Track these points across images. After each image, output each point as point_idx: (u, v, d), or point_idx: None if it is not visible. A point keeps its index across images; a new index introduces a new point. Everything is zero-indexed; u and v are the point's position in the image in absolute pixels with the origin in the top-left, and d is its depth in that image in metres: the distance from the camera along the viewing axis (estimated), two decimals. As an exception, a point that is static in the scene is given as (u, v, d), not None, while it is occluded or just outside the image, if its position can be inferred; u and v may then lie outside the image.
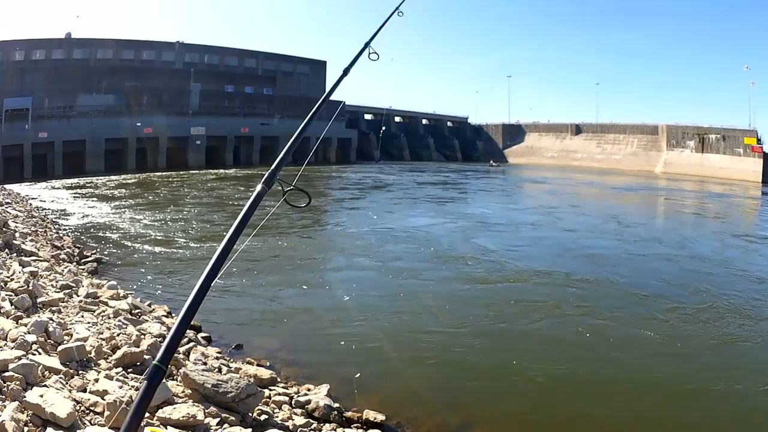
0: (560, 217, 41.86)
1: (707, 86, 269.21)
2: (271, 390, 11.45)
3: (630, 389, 13.51)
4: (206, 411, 8.51)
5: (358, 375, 13.24)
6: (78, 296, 14.34)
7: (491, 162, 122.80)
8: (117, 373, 9.01)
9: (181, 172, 74.48)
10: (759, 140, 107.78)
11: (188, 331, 14.15)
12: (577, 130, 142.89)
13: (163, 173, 74.19)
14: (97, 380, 8.50)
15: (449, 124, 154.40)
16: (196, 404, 8.62)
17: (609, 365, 14.96)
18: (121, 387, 8.25)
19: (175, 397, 8.92)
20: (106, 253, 25.48)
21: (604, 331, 17.08)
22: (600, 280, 23.13)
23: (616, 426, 12.01)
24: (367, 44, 3.29)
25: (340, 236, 33.40)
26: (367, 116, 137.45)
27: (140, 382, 3.65)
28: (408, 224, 35.94)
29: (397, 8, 5.21)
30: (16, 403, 6.51)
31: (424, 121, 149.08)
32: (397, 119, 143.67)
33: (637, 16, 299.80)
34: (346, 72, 3.82)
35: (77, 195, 48.51)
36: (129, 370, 9.45)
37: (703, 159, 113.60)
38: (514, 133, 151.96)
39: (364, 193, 57.29)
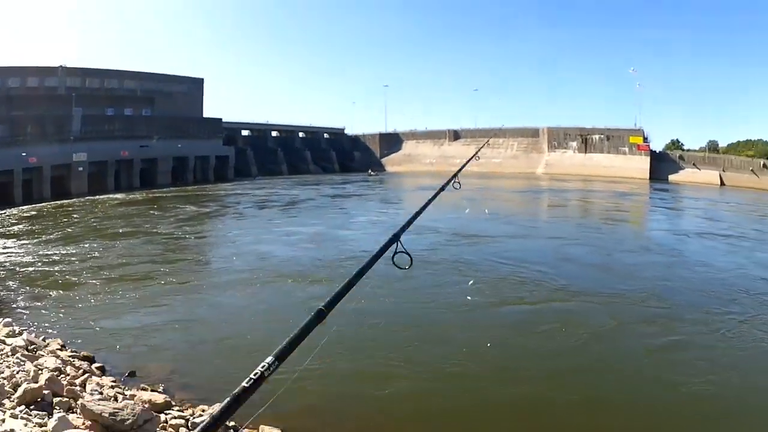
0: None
1: (594, 91, 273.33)
2: (166, 414, 11.85)
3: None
4: (107, 441, 8.80)
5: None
6: (-27, 337, 14.53)
7: (369, 171, 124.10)
8: (21, 412, 9.38)
9: (63, 201, 72.96)
10: (645, 139, 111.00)
11: (82, 362, 14.54)
12: (456, 135, 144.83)
13: (51, 203, 72.70)
14: (3, 420, 8.88)
15: (326, 136, 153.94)
16: (96, 435, 9.03)
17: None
18: (26, 425, 8.67)
19: (76, 430, 9.20)
20: (1, 289, 25.26)
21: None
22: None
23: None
24: None
25: (219, 257, 33.95)
26: (245, 132, 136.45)
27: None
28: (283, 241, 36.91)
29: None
30: None
31: (301, 135, 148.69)
32: (275, 133, 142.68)
33: (513, 26, 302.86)
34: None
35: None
36: (31, 407, 9.81)
37: (586, 159, 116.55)
38: (392, 141, 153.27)
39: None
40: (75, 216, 52.25)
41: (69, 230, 41.96)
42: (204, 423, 1.02)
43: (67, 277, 27.20)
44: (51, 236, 39.41)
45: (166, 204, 62.78)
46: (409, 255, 3.71)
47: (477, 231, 38.54)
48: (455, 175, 8.80)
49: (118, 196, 76.49)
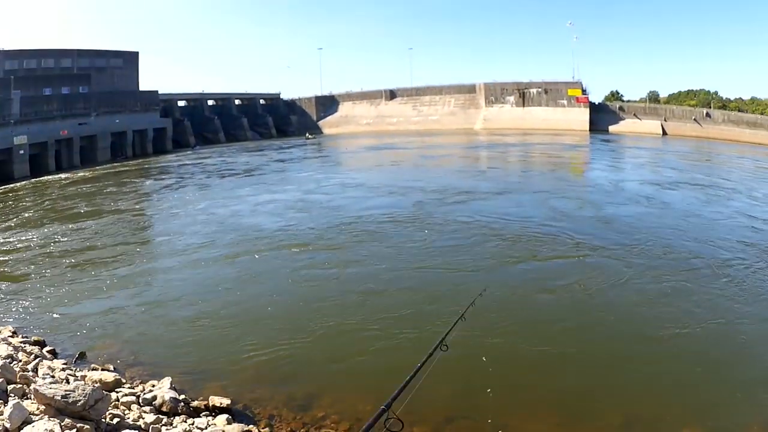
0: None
1: (530, 46, 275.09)
2: (117, 392, 11.98)
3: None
4: (62, 424, 8.89)
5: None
6: None
7: (307, 135, 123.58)
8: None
9: (11, 186, 71.96)
10: (584, 91, 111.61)
11: (33, 347, 14.48)
12: (392, 95, 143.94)
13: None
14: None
15: (262, 102, 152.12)
16: (52, 419, 9.11)
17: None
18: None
19: (32, 416, 9.22)
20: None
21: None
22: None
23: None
24: None
25: (157, 227, 34.44)
26: (181, 103, 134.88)
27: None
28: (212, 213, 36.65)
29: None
30: None
31: (237, 102, 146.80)
32: (210, 102, 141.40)
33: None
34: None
35: None
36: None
37: (525, 113, 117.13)
38: (328, 104, 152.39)
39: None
40: (28, 199, 51.37)
41: (27, 215, 41.11)
42: None
43: (21, 263, 26.91)
44: (8, 222, 38.47)
45: (119, 179, 61.99)
46: (401, 421, 3.75)
47: (456, 187, 39.13)
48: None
49: (63, 176, 75.32)
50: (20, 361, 13.11)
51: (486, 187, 39.10)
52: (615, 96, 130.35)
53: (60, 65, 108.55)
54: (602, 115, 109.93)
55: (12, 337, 15.77)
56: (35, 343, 15.40)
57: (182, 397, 11.85)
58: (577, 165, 54.96)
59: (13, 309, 19.68)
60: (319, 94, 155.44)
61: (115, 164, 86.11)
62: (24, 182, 71.82)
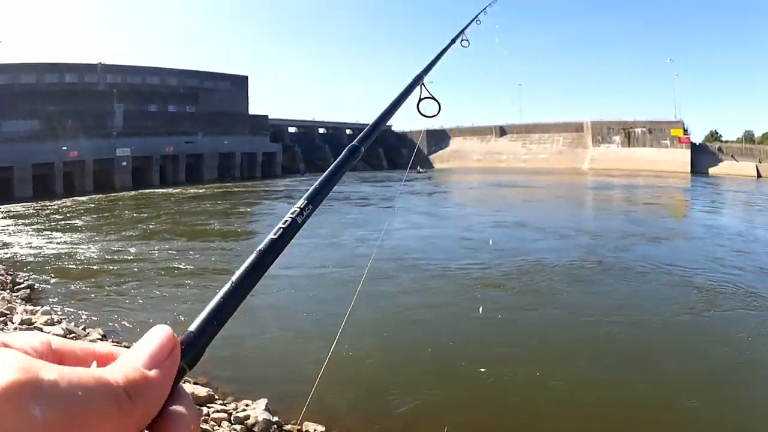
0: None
1: (632, 81, 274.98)
2: (209, 407, 11.62)
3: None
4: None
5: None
6: (12, 323, 14.32)
7: (418, 168, 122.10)
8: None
9: (110, 195, 73.15)
10: (686, 131, 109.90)
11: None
12: (502, 131, 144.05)
13: (93, 196, 72.92)
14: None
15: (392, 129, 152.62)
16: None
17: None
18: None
19: None
20: (40, 278, 25.14)
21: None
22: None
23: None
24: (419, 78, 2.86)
25: (313, 255, 32.98)
26: (292, 129, 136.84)
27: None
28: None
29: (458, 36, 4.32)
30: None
31: (348, 132, 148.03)
32: (321, 131, 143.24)
33: (547, 17, 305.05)
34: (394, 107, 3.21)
35: (5, 222, 47.61)
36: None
37: (630, 153, 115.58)
38: (439, 138, 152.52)
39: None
40: (144, 210, 52.16)
41: (151, 225, 41.83)
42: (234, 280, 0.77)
43: (128, 270, 26.91)
44: (128, 231, 39.28)
45: (237, 198, 62.89)
46: (437, 101, 3.15)
47: (609, 229, 37.89)
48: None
49: (171, 190, 76.88)
50: (107, 365, 12.79)
51: (637, 230, 37.20)
52: (714, 136, 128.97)
53: (165, 83, 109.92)
54: (702, 156, 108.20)
55: (101, 340, 15.40)
56: (126, 348, 15.07)
57: (275, 419, 11.43)
58: (703, 210, 52.77)
59: (108, 314, 19.50)
60: (430, 127, 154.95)
61: (226, 184, 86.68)
62: (129, 192, 72.77)
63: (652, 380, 13.90)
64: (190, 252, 30.70)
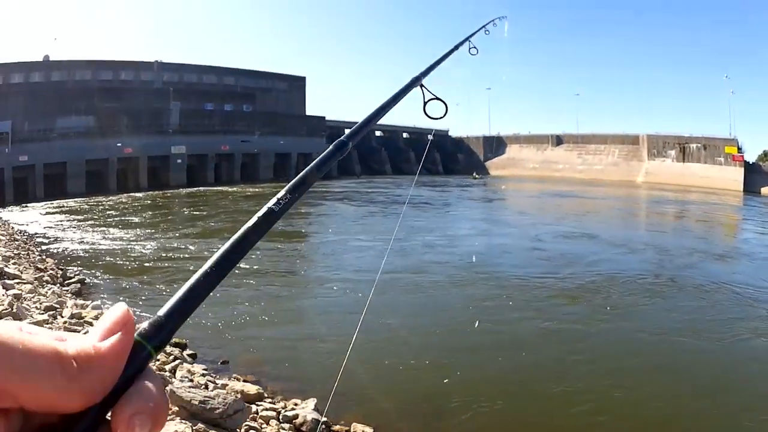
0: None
1: (688, 95, 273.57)
2: (258, 405, 11.42)
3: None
4: (194, 428, 8.46)
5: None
6: (62, 317, 14.26)
7: (474, 174, 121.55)
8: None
9: (165, 192, 73.91)
10: (740, 149, 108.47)
11: (174, 348, 14.18)
12: (558, 141, 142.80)
13: (147, 193, 73.57)
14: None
15: (430, 137, 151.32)
16: (183, 421, 8.58)
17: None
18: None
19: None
20: (90, 273, 25.25)
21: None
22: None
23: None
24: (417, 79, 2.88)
25: (320, 248, 33.69)
26: (348, 131, 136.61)
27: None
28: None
29: (462, 43, 4.48)
30: None
31: (404, 135, 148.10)
32: (378, 133, 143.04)
33: (612, 26, 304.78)
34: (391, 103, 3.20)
35: (58, 217, 48.07)
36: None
37: (684, 168, 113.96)
38: (495, 145, 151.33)
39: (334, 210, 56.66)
40: (202, 208, 52.67)
41: (211, 223, 42.08)
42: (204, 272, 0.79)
43: (166, 260, 27.04)
44: (186, 230, 39.37)
45: (311, 200, 60.64)
46: (444, 102, 3.00)
47: (678, 246, 36.28)
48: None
49: (228, 188, 77.44)
50: (158, 359, 12.73)
51: (702, 247, 35.99)
52: (767, 156, 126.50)
53: (222, 82, 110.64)
54: (755, 176, 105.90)
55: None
56: (176, 344, 14.97)
57: (324, 419, 11.24)
58: (762, 231, 51.44)
59: (156, 306, 19.25)
60: (487, 134, 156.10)
61: (282, 184, 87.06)
62: (184, 189, 73.46)
63: (733, 403, 13.66)
64: (250, 252, 29.86)
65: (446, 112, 3.28)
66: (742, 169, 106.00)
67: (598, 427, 12.22)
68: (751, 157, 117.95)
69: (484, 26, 5.76)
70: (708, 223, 54.57)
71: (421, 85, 3.21)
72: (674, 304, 22.13)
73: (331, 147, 1.66)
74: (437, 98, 3.11)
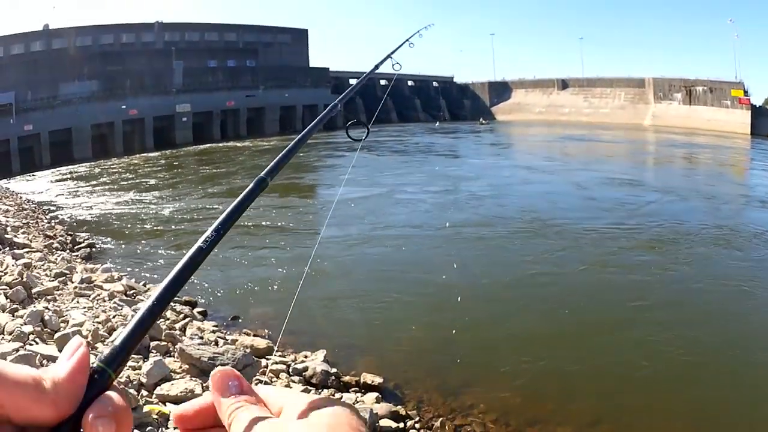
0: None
1: (693, 40, 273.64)
2: (268, 359, 11.64)
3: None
4: (204, 385, 8.60)
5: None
6: (72, 283, 14.43)
7: (480, 120, 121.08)
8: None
9: (168, 151, 73.93)
10: (746, 92, 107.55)
11: (184, 306, 14.37)
12: (564, 84, 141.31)
13: (154, 153, 73.60)
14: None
15: (435, 84, 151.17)
16: (193, 379, 8.82)
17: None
18: (118, 368, 8.36)
19: (172, 374, 9.06)
20: (100, 238, 25.47)
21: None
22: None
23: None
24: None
25: (327, 204, 32.82)
26: (352, 81, 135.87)
27: None
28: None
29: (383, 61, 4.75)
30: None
31: (409, 83, 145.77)
32: (383, 82, 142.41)
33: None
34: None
35: (65, 184, 48.18)
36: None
37: (690, 111, 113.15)
38: (501, 90, 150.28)
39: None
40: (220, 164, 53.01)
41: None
42: (144, 308, 0.91)
43: (175, 221, 27.17)
44: (197, 189, 39.29)
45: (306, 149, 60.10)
46: (366, 126, 3.19)
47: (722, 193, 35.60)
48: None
49: (237, 144, 77.86)
50: (168, 319, 12.91)
51: (742, 192, 36.14)
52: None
53: (224, 39, 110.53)
54: (762, 119, 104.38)
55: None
56: (186, 303, 15.08)
57: (333, 370, 11.37)
58: None
59: (168, 267, 19.25)
60: (492, 79, 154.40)
61: (290, 136, 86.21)
62: (189, 147, 73.79)
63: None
64: (264, 209, 28.85)
65: (367, 134, 3.57)
66: (749, 112, 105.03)
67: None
68: (757, 100, 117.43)
69: (407, 40, 6.29)
70: (735, 167, 54.84)
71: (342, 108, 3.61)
72: (749, 255, 21.37)
73: (251, 185, 1.75)
74: (360, 121, 3.35)
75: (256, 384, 6.30)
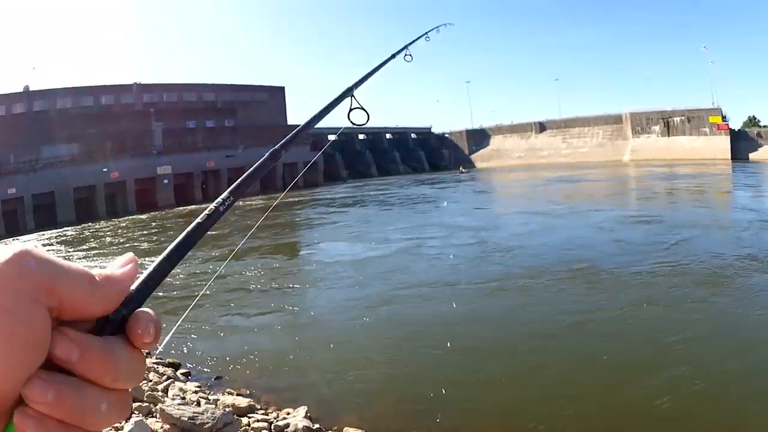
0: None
1: (668, 70, 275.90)
2: (249, 417, 11.61)
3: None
4: (185, 445, 8.65)
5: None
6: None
7: (460, 169, 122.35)
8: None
9: (156, 213, 73.88)
10: (724, 118, 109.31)
11: (167, 368, 14.47)
12: (541, 127, 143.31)
13: (138, 216, 73.30)
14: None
15: (413, 135, 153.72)
16: (174, 438, 8.90)
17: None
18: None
19: None
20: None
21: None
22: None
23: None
24: (349, 90, 3.04)
25: (310, 260, 33.11)
26: (331, 137, 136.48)
27: None
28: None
29: (394, 56, 4.60)
30: None
31: (388, 136, 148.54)
32: (361, 136, 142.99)
33: (584, 14, 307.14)
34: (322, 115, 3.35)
35: (54, 248, 47.86)
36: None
37: (670, 142, 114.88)
38: (479, 137, 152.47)
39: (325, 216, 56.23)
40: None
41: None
42: (154, 265, 0.91)
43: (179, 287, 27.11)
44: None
45: (309, 210, 61.42)
46: (366, 111, 3.37)
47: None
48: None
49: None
50: (151, 381, 13.04)
51: (746, 217, 36.27)
52: (753, 121, 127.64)
53: (203, 99, 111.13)
54: (742, 143, 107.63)
55: (146, 357, 15.54)
56: (169, 364, 15.17)
57: (316, 426, 11.48)
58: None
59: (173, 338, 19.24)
60: (470, 127, 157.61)
61: (272, 195, 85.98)
62: (171, 210, 73.57)
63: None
64: (244, 267, 29.50)
65: (368, 119, 3.51)
66: (728, 137, 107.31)
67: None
68: (736, 124, 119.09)
69: (425, 33, 5.58)
70: (733, 194, 55.79)
71: (353, 96, 3.40)
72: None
73: (267, 155, 1.86)
74: (361, 108, 3.46)
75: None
